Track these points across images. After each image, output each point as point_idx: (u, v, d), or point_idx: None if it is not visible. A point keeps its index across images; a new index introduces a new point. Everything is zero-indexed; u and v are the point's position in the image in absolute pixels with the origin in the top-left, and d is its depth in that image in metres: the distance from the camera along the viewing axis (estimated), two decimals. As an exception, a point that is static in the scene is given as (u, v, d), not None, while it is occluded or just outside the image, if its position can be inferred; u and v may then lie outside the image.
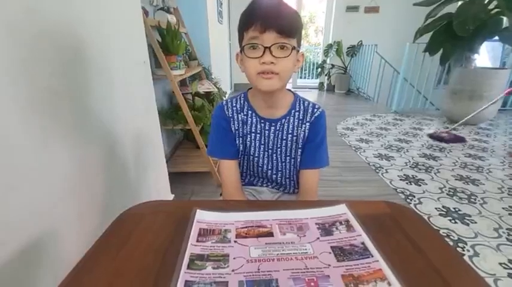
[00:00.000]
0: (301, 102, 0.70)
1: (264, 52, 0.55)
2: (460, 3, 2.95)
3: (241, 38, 0.60)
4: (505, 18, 2.78)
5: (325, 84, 5.83)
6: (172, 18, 1.75)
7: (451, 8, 3.00)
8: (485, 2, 2.82)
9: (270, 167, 0.74)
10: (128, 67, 1.04)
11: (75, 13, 0.72)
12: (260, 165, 0.74)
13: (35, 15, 0.58)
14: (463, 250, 1.21)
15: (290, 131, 0.69)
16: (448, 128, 2.96)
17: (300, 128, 0.69)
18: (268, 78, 0.57)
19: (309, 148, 0.70)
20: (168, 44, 1.55)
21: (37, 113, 0.58)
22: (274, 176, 0.76)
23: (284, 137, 0.70)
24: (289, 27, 0.55)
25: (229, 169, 0.71)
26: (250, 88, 0.69)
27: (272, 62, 0.55)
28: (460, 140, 2.65)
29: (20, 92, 0.54)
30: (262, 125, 0.69)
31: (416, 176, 1.93)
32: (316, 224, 0.47)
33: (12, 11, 0.52)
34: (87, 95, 0.77)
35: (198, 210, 0.50)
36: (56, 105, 0.64)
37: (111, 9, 0.91)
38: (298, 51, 0.59)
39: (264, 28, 0.53)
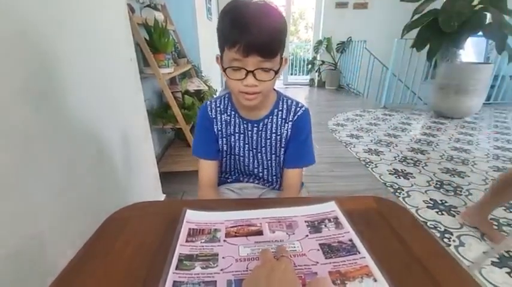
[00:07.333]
0: (285, 101, 0.70)
1: (246, 75, 0.54)
2: (445, -1, 3.00)
3: (222, 50, 0.56)
4: (488, 14, 2.84)
5: (315, 81, 5.86)
6: (159, 16, 1.72)
7: (437, 4, 3.05)
8: (470, -2, 2.88)
9: (256, 166, 0.75)
10: (114, 66, 1.02)
11: (54, 11, 0.70)
12: (246, 164, 0.75)
13: (8, 16, 0.56)
14: (449, 241, 1.25)
15: (274, 131, 0.69)
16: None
17: (283, 127, 0.69)
18: (251, 99, 0.58)
19: (293, 147, 0.70)
20: (155, 42, 1.52)
21: (16, 114, 0.56)
22: (260, 173, 0.76)
23: (268, 137, 0.70)
24: (272, 49, 0.53)
25: (207, 168, 0.72)
26: None
27: (255, 85, 0.55)
28: None
29: None
30: (245, 125, 0.69)
31: (405, 170, 1.97)
32: (305, 221, 0.48)
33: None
34: (71, 95, 0.75)
35: (187, 210, 0.50)
36: (37, 106, 0.62)
37: (93, 6, 0.89)
38: (281, 58, 0.58)
39: (246, 53, 0.51)
